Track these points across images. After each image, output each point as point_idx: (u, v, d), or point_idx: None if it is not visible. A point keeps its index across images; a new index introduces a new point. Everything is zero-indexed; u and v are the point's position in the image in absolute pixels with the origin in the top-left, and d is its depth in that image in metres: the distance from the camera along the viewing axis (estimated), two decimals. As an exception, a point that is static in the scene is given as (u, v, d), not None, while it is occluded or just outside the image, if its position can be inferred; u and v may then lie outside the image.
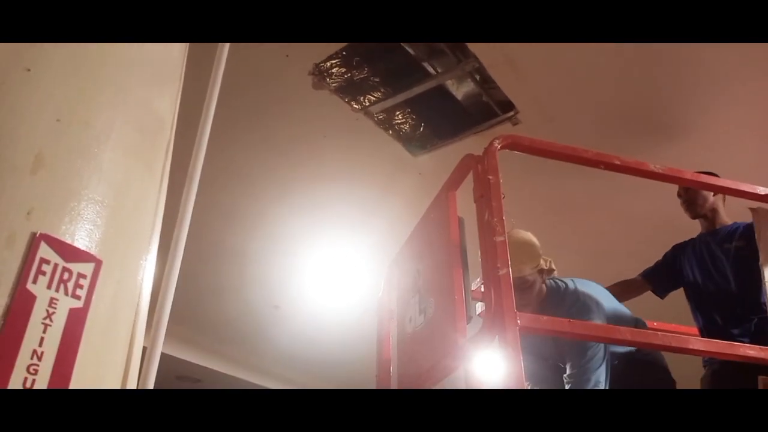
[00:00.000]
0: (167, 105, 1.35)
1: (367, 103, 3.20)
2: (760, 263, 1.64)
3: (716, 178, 1.84)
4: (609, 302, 2.25)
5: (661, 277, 2.60)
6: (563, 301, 2.16)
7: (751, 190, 1.74)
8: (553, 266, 2.19)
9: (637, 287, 2.64)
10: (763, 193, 1.70)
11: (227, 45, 1.66)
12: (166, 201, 1.41)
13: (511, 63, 2.82)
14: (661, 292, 2.63)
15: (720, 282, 2.29)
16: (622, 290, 2.57)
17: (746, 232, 2.10)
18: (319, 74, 3.00)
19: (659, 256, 2.65)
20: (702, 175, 1.84)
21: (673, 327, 2.66)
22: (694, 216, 2.45)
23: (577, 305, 2.12)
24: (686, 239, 2.58)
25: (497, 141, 1.71)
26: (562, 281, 2.24)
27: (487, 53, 2.78)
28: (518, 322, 1.37)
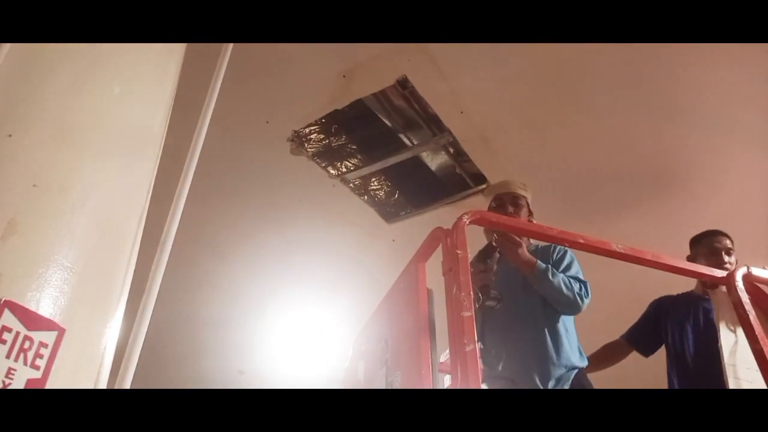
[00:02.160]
0: (145, 171, 1.37)
1: (344, 170, 3.27)
2: (719, 345, 1.67)
3: (678, 260, 1.89)
4: None
5: (646, 336, 2.47)
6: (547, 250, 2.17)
7: (709, 273, 1.80)
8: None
9: (621, 351, 2.54)
10: (719, 275, 1.76)
11: (210, 112, 1.70)
12: (137, 264, 1.40)
13: (483, 139, 2.93)
14: (648, 352, 2.50)
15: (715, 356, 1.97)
16: (606, 356, 2.49)
17: None
18: (298, 140, 3.07)
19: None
20: (663, 256, 1.90)
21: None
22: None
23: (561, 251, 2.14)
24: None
25: (466, 216, 1.73)
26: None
27: (460, 128, 2.89)
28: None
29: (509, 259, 2.07)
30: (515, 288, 2.07)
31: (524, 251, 1.99)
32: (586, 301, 2.00)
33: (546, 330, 1.98)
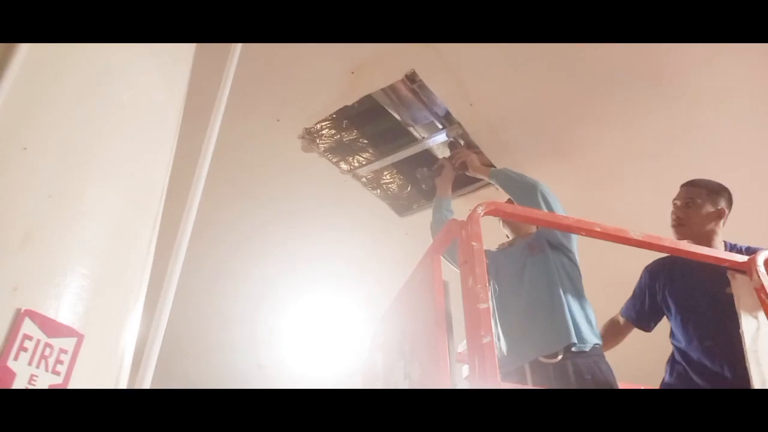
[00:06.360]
0: (158, 174, 1.38)
1: (356, 164, 3.27)
2: (740, 331, 1.65)
3: (695, 245, 1.86)
4: None
5: (642, 308, 2.22)
6: None
7: (729, 258, 1.77)
8: None
9: (622, 329, 2.32)
10: (740, 260, 1.73)
11: (220, 113, 1.70)
12: (154, 264, 1.41)
13: (493, 130, 2.91)
14: (648, 326, 2.25)
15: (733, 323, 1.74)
16: (607, 336, 2.25)
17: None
18: (309, 137, 3.07)
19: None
20: (681, 243, 1.88)
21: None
22: (681, 238, 2.06)
23: None
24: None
25: (480, 207, 1.72)
26: None
27: (470, 120, 2.87)
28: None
29: (470, 168, 2.73)
30: (514, 274, 2.20)
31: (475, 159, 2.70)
32: (545, 188, 2.28)
33: (554, 308, 2.01)
